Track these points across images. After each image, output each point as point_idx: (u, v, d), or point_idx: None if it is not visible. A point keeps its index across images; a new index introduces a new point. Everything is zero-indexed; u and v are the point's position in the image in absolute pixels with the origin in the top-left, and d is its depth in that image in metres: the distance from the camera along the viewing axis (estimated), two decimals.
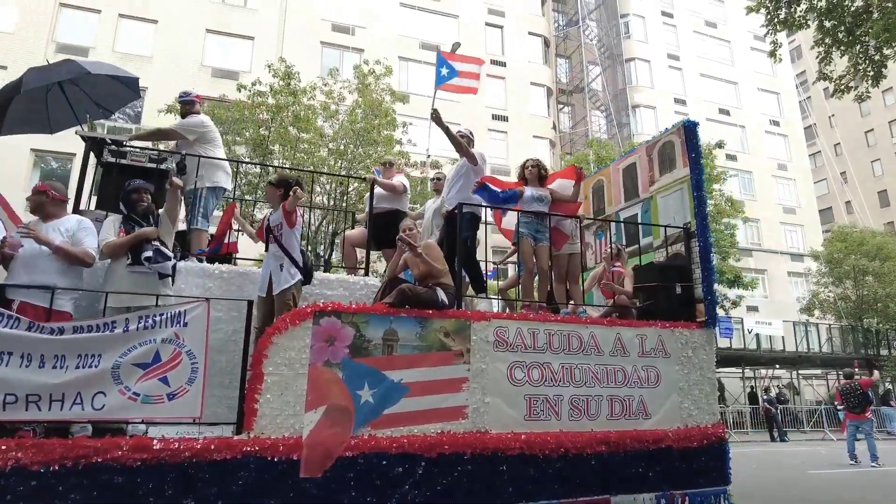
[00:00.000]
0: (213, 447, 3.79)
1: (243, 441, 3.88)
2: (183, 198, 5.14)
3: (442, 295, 4.62)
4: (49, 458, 3.45)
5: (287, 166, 15.75)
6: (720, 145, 24.11)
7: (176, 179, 4.23)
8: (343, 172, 18.25)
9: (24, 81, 4.72)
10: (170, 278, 4.24)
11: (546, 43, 33.20)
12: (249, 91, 18.57)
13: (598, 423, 4.89)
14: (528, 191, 5.69)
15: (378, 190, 5.96)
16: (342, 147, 19.38)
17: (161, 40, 27.54)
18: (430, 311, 4.58)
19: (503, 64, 31.47)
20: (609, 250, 5.91)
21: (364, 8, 29.95)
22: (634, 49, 34.02)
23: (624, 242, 6.45)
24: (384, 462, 4.14)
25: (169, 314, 3.92)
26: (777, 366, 28.52)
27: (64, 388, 3.64)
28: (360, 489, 4.04)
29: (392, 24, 30.07)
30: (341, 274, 5.63)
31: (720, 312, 23.98)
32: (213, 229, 5.63)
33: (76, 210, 4.67)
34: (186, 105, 5.57)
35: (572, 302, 5.85)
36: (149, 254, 4.14)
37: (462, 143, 5.80)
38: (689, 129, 5.76)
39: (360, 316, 4.39)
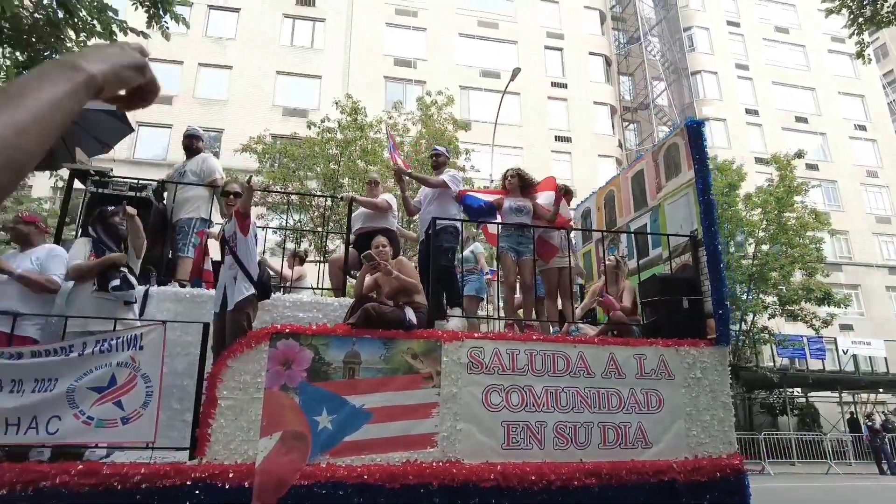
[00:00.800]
0: (162, 472, 3.74)
1: (193, 467, 3.81)
2: (174, 226, 5.27)
3: (410, 314, 4.41)
4: (1, 482, 3.52)
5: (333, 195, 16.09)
6: (800, 155, 22.40)
7: (129, 208, 4.30)
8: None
9: None
10: (135, 305, 4.29)
11: (607, 62, 32.56)
12: (319, 128, 19.34)
13: (589, 452, 4.45)
14: (507, 202, 5.39)
15: (363, 209, 5.88)
16: (407, 178, 19.84)
17: (236, 84, 29.29)
18: (397, 332, 4.37)
19: (564, 85, 31.12)
20: (606, 263, 5.48)
21: (425, 41, 30.67)
22: (700, 62, 32.68)
23: (635, 255, 5.98)
24: (341, 492, 3.94)
25: (125, 337, 3.95)
26: (881, 389, 25.74)
27: (20, 413, 3.72)
28: None
29: (452, 54, 30.56)
30: (317, 295, 5.55)
31: (809, 332, 22.27)
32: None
33: (58, 239, 4.88)
34: (196, 140, 5.74)
35: (574, 324, 5.42)
36: (116, 282, 4.21)
37: (427, 179, 5.76)
38: (692, 129, 5.29)
39: (320, 338, 4.25)
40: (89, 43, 8.90)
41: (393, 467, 4.06)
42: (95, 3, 8.05)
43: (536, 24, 31.76)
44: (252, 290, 4.35)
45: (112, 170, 5.10)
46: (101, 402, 3.85)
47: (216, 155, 26.86)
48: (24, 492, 3.53)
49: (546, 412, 4.46)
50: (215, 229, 5.57)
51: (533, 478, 4.19)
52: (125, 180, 4.88)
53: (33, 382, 3.78)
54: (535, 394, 4.47)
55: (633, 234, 6.03)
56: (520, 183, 5.52)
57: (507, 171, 5.66)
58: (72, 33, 8.34)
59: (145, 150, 27.98)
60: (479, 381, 4.40)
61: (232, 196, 4.69)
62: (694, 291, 5.06)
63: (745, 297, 21.20)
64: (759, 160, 28.50)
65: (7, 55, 8.68)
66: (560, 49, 31.67)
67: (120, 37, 8.44)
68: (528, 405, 4.43)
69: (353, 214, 6.01)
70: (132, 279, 4.28)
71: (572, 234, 5.47)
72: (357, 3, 30.62)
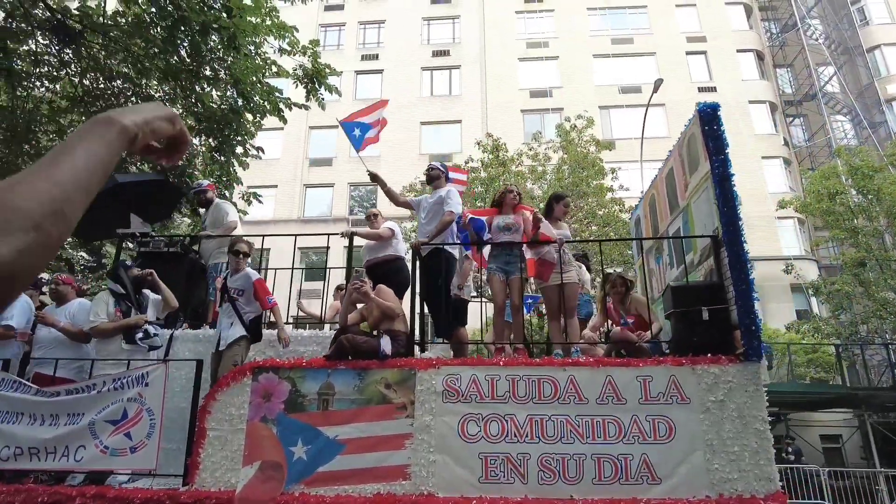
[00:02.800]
0: (156, 498, 4.14)
1: (183, 493, 4.17)
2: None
3: (385, 344, 4.40)
4: (34, 501, 4.19)
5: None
6: None
7: (142, 270, 5.01)
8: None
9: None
10: (160, 349, 4.89)
11: (759, 56, 29.36)
12: (464, 168, 20.27)
13: (581, 488, 3.98)
14: (496, 219, 5.11)
15: (368, 241, 6.02)
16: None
17: (385, 140, 31.45)
18: (371, 362, 4.39)
19: (713, 89, 28.67)
20: (613, 279, 4.91)
21: (558, 69, 30.55)
22: (877, 35, 27.91)
23: (675, 263, 5.30)
24: None
25: (134, 376, 4.50)
26: None
27: (56, 442, 4.41)
28: None
29: (588, 77, 30.00)
30: (314, 330, 5.72)
31: None
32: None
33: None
34: (202, 194, 6.49)
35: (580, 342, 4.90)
36: (140, 335, 4.85)
37: (397, 197, 5.88)
38: (704, 115, 4.63)
39: (297, 371, 4.43)
40: (263, 122, 10.66)
41: (362, 499, 4.04)
42: (265, 88, 9.56)
43: (674, 31, 29.90)
44: (243, 332, 4.75)
45: (154, 230, 5.93)
46: (115, 433, 4.41)
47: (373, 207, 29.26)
48: None
49: (529, 443, 4.10)
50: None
51: None
52: (161, 238, 5.65)
53: (66, 417, 4.47)
54: (518, 423, 4.15)
55: (672, 243, 5.35)
56: (513, 201, 5.25)
57: (503, 187, 5.41)
58: (249, 116, 9.99)
59: (312, 209, 31.15)
60: (454, 410, 4.22)
61: (241, 256, 5.18)
62: (718, 300, 4.34)
63: None
64: None
65: (202, 143, 10.60)
66: (703, 52, 29.37)
67: (286, 113, 9.92)
68: (508, 435, 4.12)
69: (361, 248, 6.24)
70: (151, 329, 4.88)
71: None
72: (489, 44, 31.55)
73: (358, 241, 5.93)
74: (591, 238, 15.50)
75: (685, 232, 5.08)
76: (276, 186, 30.17)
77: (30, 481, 4.42)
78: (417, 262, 4.92)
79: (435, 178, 5.76)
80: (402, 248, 6.00)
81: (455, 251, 5.33)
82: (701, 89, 28.60)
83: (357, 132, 6.10)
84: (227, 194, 10.89)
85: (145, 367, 4.54)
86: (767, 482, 3.91)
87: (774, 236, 25.57)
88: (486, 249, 5.34)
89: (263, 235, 6.22)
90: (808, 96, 28.84)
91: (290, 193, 30.87)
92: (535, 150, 20.83)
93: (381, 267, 5.66)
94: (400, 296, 5.17)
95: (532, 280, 5.85)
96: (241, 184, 11.12)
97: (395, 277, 5.46)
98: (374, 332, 4.65)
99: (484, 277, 5.82)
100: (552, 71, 30.80)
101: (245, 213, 12.24)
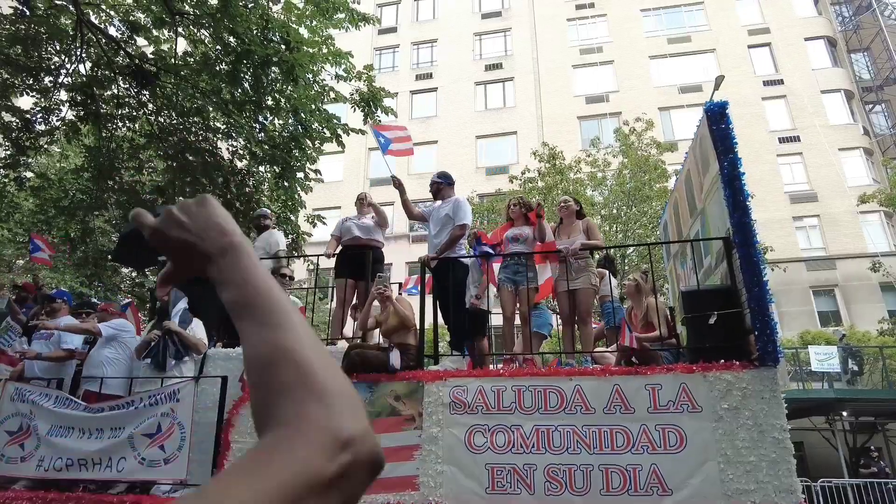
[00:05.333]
0: None
1: None
2: None
3: (394, 358, 4.51)
4: None
5: None
6: None
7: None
8: (619, 236, 18.52)
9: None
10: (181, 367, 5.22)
11: (831, 43, 27.67)
12: (520, 179, 20.27)
13: (589, 499, 3.92)
14: (506, 232, 5.10)
15: (354, 222, 6.26)
16: (615, 211, 19.63)
17: (442, 156, 32.02)
18: (381, 375, 4.51)
19: (779, 82, 27.30)
20: (628, 283, 4.79)
21: (614, 73, 30.05)
22: None
23: (695, 268, 5.13)
24: None
25: (167, 392, 4.83)
26: None
27: (101, 454, 4.80)
28: None
29: (645, 79, 29.32)
30: (336, 346, 5.85)
31: None
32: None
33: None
34: (264, 219, 6.88)
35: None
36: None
37: (412, 209, 6.00)
38: (711, 115, 4.48)
39: None
40: (324, 148, 11.25)
41: None
42: (323, 115, 10.16)
43: (735, 25, 28.73)
44: None
45: None
46: (151, 445, 4.74)
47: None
48: None
49: (536, 454, 4.08)
50: None
51: None
52: None
53: (109, 430, 4.85)
54: (524, 434, 4.14)
55: (692, 246, 5.18)
56: (521, 212, 5.23)
57: (510, 199, 5.41)
58: (308, 142, 10.63)
59: None
60: (461, 422, 4.26)
61: (287, 279, 5.54)
62: (731, 304, 4.18)
63: None
64: None
65: (266, 170, 11.35)
66: (767, 44, 28.03)
67: (344, 138, 10.46)
68: (514, 446, 4.12)
69: (343, 226, 6.45)
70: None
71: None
72: (542, 53, 31.46)
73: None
74: (613, 245, 14.99)
75: (704, 233, 4.92)
76: (339, 207, 31.18)
77: (79, 490, 4.81)
78: (427, 276, 5.01)
79: (437, 191, 5.87)
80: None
81: (467, 261, 5.38)
82: (766, 83, 27.32)
83: (382, 139, 6.36)
84: (293, 218, 11.46)
85: (177, 385, 4.86)
86: (788, 494, 3.71)
87: (858, 233, 23.89)
88: (497, 265, 5.34)
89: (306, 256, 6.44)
90: (889, 80, 26.87)
91: (353, 213, 31.83)
92: (594, 156, 20.53)
93: (364, 249, 5.92)
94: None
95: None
96: (305, 207, 11.62)
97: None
98: (387, 343, 4.77)
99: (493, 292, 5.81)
100: (608, 76, 30.30)
101: (310, 234, 12.82)
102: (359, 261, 5.97)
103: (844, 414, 15.91)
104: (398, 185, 6.01)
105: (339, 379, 0.60)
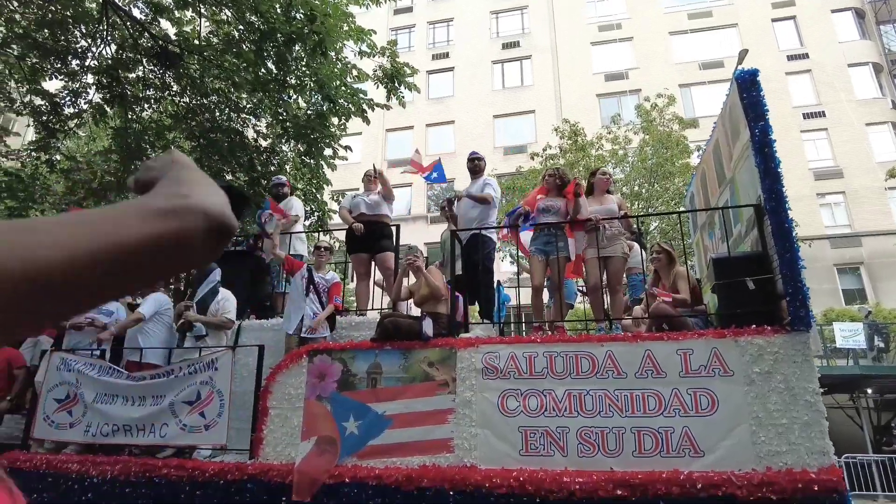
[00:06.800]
0: (227, 469, 4.58)
1: (249, 465, 4.58)
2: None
3: (427, 327, 4.60)
4: (129, 471, 4.76)
5: None
6: None
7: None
8: (641, 212, 18.48)
9: None
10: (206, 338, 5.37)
11: (858, 14, 26.93)
12: (541, 157, 20.15)
13: (621, 460, 4.00)
14: (538, 203, 5.14)
15: (373, 197, 6.37)
16: (636, 188, 19.50)
17: (460, 136, 31.85)
18: (414, 342, 4.60)
19: (804, 56, 26.71)
20: (657, 255, 4.80)
21: (633, 50, 29.61)
22: None
23: (725, 237, 5.13)
24: (363, 493, 4.28)
25: (205, 362, 4.98)
26: None
27: (144, 421, 4.98)
28: None
29: (665, 55, 28.84)
30: (367, 316, 5.96)
31: None
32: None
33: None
34: (281, 187, 7.02)
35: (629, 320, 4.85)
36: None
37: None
38: (742, 83, 4.46)
39: (347, 352, 4.73)
40: (348, 125, 11.33)
41: (408, 470, 4.26)
42: (349, 91, 10.22)
43: None
44: (328, 332, 5.14)
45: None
46: (192, 412, 4.90)
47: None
48: (142, 478, 4.71)
49: (568, 417, 4.16)
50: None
51: (550, 485, 3.94)
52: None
53: (151, 398, 5.02)
54: (556, 398, 4.22)
55: (722, 214, 5.18)
56: (556, 184, 5.26)
57: (547, 170, 5.44)
58: (335, 119, 10.72)
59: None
60: (494, 387, 4.35)
61: (323, 249, 5.67)
62: (762, 270, 4.19)
63: None
64: None
65: (290, 149, 11.48)
66: (792, 17, 27.38)
67: (368, 114, 10.52)
68: (547, 409, 4.21)
69: (352, 201, 6.52)
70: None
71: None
72: (559, 31, 31.05)
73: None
74: (638, 214, 14.81)
75: (733, 202, 4.92)
76: (357, 189, 31.27)
77: (124, 454, 5.00)
78: (457, 247, 5.08)
79: (476, 168, 5.96)
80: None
81: (493, 235, 5.45)
82: (791, 57, 26.75)
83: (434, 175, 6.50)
84: (318, 196, 11.57)
85: (214, 354, 5.01)
86: (821, 455, 3.75)
87: (885, 209, 23.46)
88: (526, 238, 5.40)
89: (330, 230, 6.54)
90: None
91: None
92: (615, 133, 20.33)
93: (374, 226, 6.02)
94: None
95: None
96: (331, 185, 11.72)
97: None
98: (420, 312, 4.87)
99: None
100: (627, 53, 29.86)
101: (335, 212, 12.95)
102: (368, 236, 6.11)
103: (869, 391, 15.81)
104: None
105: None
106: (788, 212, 4.09)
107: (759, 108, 4.33)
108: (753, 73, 4.47)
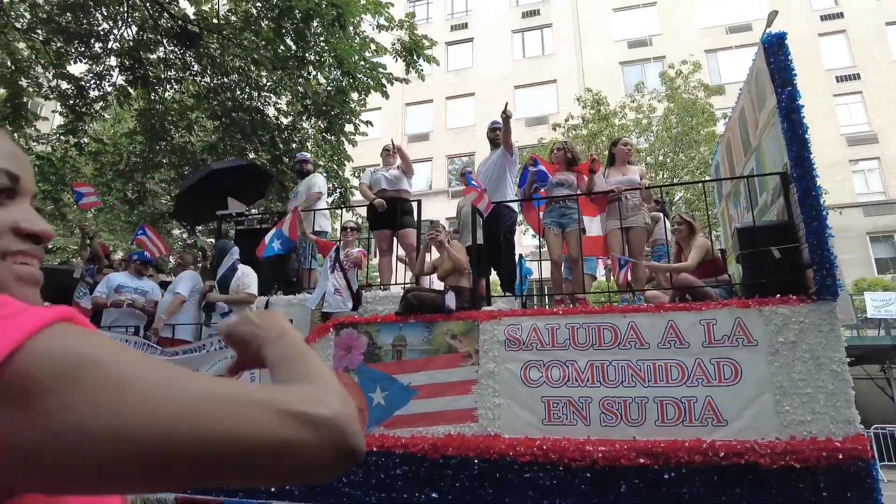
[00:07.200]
0: None
1: None
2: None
3: (450, 301, 4.66)
4: None
5: None
6: None
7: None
8: (667, 182, 18.18)
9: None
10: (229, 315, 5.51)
11: None
12: (564, 127, 19.91)
13: (644, 429, 4.04)
14: (551, 177, 5.11)
15: (382, 173, 6.38)
16: (661, 157, 19.21)
17: (479, 109, 31.49)
18: (437, 315, 4.67)
19: (839, 15, 25.74)
20: (679, 227, 4.76)
21: (657, 15, 28.85)
22: None
23: (751, 206, 5.06)
24: (389, 462, 4.40)
25: None
26: None
27: None
28: (367, 485, 4.40)
29: (690, 20, 28.06)
30: (391, 290, 6.02)
31: None
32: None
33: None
34: (304, 163, 7.07)
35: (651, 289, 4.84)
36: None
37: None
38: (769, 47, 4.34)
39: (373, 325, 4.82)
40: (367, 100, 11.33)
41: (433, 439, 4.37)
42: (368, 65, 10.23)
43: None
44: (350, 306, 5.23)
45: (250, 210, 6.57)
46: None
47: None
48: None
49: (591, 387, 4.21)
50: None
51: (573, 454, 4.01)
52: (255, 216, 6.26)
53: None
54: (579, 368, 4.26)
55: (747, 183, 5.10)
56: (566, 157, 5.22)
57: (554, 144, 5.39)
58: (354, 95, 10.75)
59: (413, 183, 31.88)
60: (517, 358, 4.41)
61: (350, 230, 5.74)
62: (788, 239, 4.14)
63: None
64: None
65: (312, 125, 11.56)
66: None
67: (388, 88, 10.49)
68: (569, 380, 4.26)
69: (372, 177, 6.53)
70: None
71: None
72: None
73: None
74: (661, 184, 14.54)
75: (759, 170, 4.84)
76: (377, 165, 31.26)
77: None
78: (479, 220, 5.09)
79: (497, 138, 5.92)
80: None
81: (514, 205, 5.45)
82: (824, 17, 25.82)
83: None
84: (340, 172, 11.63)
85: None
86: (846, 424, 3.75)
87: None
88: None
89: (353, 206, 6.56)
90: None
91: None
92: (639, 101, 19.94)
93: (396, 202, 6.04)
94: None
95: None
96: (352, 160, 11.77)
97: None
98: (443, 285, 4.93)
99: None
100: (651, 18, 29.10)
101: (356, 188, 12.97)
102: (390, 212, 6.15)
103: None
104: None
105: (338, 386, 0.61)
106: (816, 179, 4.02)
107: (786, 73, 4.23)
108: (781, 37, 4.35)
